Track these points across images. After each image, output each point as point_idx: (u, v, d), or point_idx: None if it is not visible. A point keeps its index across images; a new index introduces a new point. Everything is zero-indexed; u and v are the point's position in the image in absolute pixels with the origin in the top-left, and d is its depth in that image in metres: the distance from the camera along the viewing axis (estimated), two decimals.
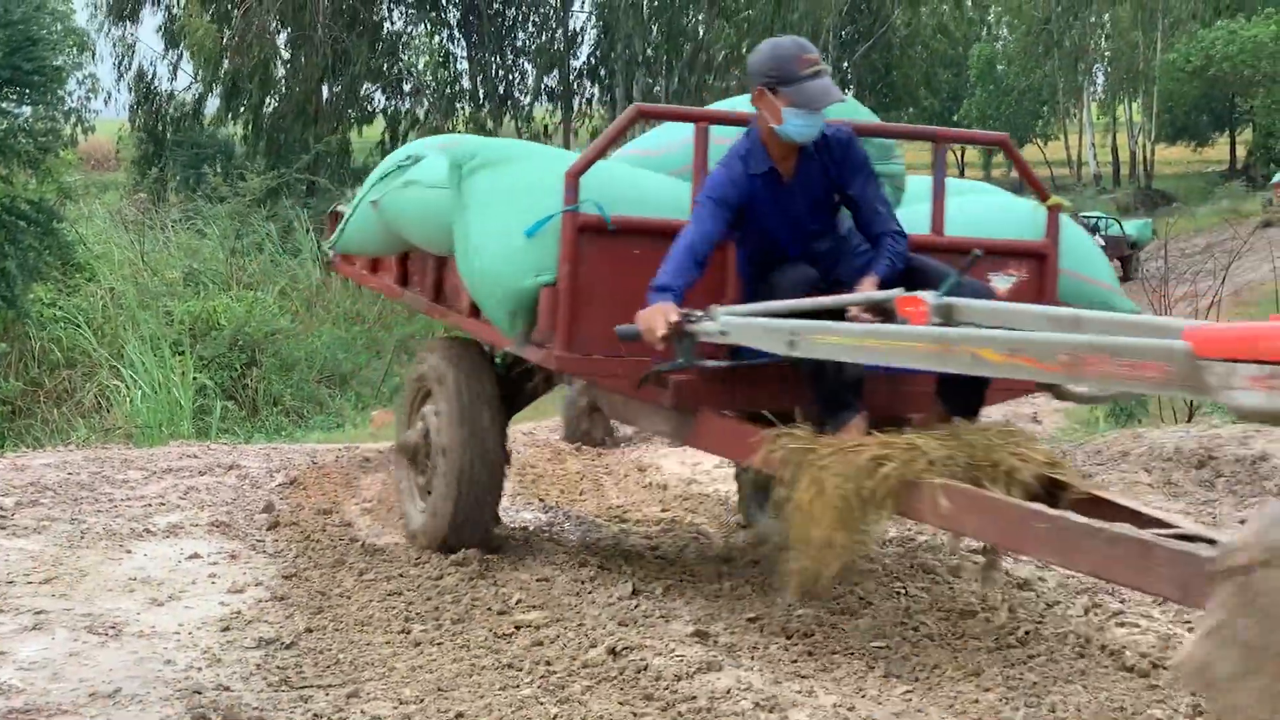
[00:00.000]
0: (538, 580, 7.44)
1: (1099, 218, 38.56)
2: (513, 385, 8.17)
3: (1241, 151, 70.27)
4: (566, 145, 43.27)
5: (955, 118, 67.35)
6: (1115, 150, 68.59)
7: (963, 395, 6.28)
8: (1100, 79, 69.33)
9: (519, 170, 6.94)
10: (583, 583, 7.43)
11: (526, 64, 44.23)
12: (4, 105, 24.45)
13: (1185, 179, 67.51)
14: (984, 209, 7.72)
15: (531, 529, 8.95)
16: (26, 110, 25.08)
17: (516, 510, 9.63)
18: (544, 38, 44.09)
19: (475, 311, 7.30)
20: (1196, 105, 63.85)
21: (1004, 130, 64.35)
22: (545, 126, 44.39)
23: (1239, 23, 55.99)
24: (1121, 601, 6.93)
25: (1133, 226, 39.16)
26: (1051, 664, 5.91)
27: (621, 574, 7.68)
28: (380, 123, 41.55)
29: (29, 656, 5.77)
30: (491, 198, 6.83)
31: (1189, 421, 14.88)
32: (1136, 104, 66.48)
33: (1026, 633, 6.35)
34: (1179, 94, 61.21)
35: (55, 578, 7.13)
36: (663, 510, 9.77)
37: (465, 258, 6.89)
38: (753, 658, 5.97)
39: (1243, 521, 9.49)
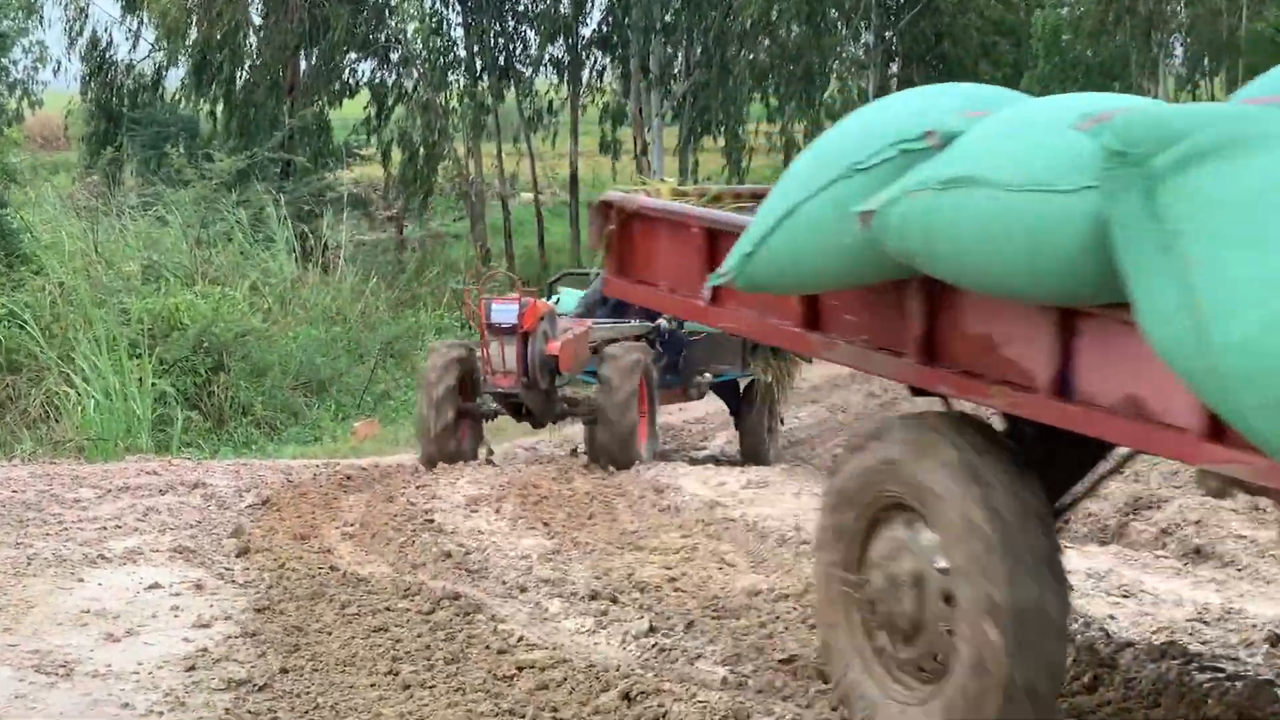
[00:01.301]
0: (542, 616, 7.45)
1: None
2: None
3: None
4: (574, 123, 43.34)
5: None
6: None
7: None
8: (1179, 50, 69.15)
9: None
10: (593, 618, 7.44)
11: (529, 31, 44.11)
12: None
13: None
14: None
15: (534, 557, 8.95)
16: None
17: (518, 536, 9.64)
18: (549, 2, 44.06)
19: (1213, 426, 4.68)
20: None
21: None
22: (549, 101, 44.32)
23: None
24: (1204, 643, 6.91)
25: None
26: (1123, 714, 5.90)
27: (636, 609, 7.69)
28: (364, 96, 41.52)
29: None
30: (1241, 217, 4.46)
31: None
32: (1219, 79, 66.32)
33: (1096, 678, 6.34)
34: (1266, 67, 60.84)
35: None
36: (683, 536, 9.75)
37: (1184, 324, 4.44)
38: (786, 704, 5.97)
39: None
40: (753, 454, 16.30)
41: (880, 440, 5.87)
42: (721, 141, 44.51)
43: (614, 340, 14.21)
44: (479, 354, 13.69)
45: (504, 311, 13.49)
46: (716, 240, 6.51)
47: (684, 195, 7.46)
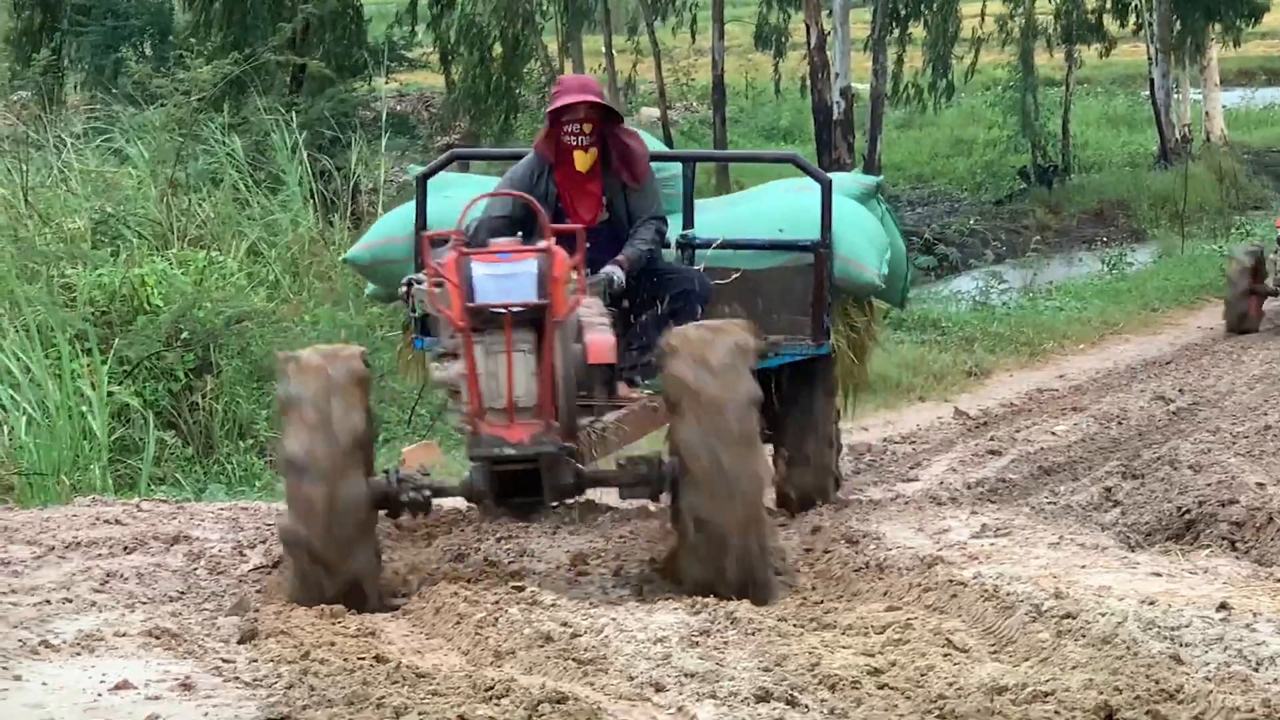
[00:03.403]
0: None
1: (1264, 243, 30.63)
2: None
3: None
4: (718, 8, 43.41)
5: None
6: None
7: None
8: None
9: None
10: None
11: None
12: None
13: None
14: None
15: (673, 640, 8.98)
16: None
17: (648, 610, 9.67)
18: None
19: None
20: None
21: (1197, 8, 63.70)
22: None
23: None
24: None
25: None
26: None
27: (825, 714, 7.71)
28: None
29: None
30: None
31: None
32: None
33: None
34: None
35: None
36: (888, 609, 9.75)
37: None
38: None
39: None
40: (811, 488, 14.12)
41: None
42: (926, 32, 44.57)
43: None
44: None
45: None
46: None
47: None
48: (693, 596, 9.96)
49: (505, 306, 9.90)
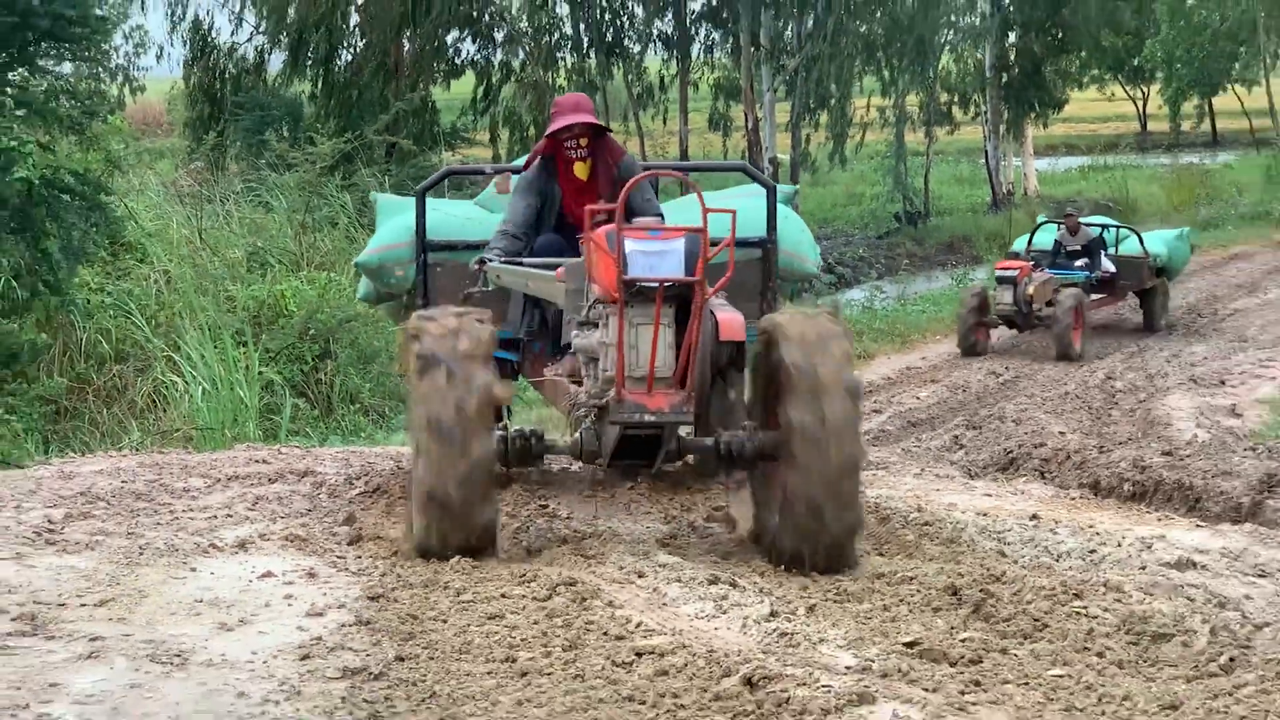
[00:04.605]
0: (661, 601, 7.47)
1: (1105, 226, 29.19)
2: None
3: None
4: (683, 100, 43.34)
5: (1138, 62, 66.69)
6: None
7: None
8: None
9: None
10: (712, 603, 7.45)
11: (636, 6, 44.17)
12: (43, 62, 24.67)
13: None
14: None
15: (651, 541, 8.96)
16: (68, 68, 25.36)
17: (634, 520, 9.65)
18: None
19: None
20: None
21: (1195, 75, 63.52)
22: (661, 78, 44.35)
23: None
24: None
25: (1160, 241, 28.86)
26: (1261, 695, 5.85)
27: (756, 593, 7.69)
28: (470, 77, 41.64)
29: (85, 689, 5.84)
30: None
31: None
32: None
33: (1231, 659, 6.29)
34: None
35: (112, 599, 7.22)
36: None
37: None
38: (912, 688, 5.96)
39: None
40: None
41: None
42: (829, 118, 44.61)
43: None
44: None
45: None
46: None
47: None
48: (779, 565, 8.33)
49: (659, 281, 7.94)
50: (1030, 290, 25.24)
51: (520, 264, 9.91)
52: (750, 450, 8.64)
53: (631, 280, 7.94)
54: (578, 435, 8.75)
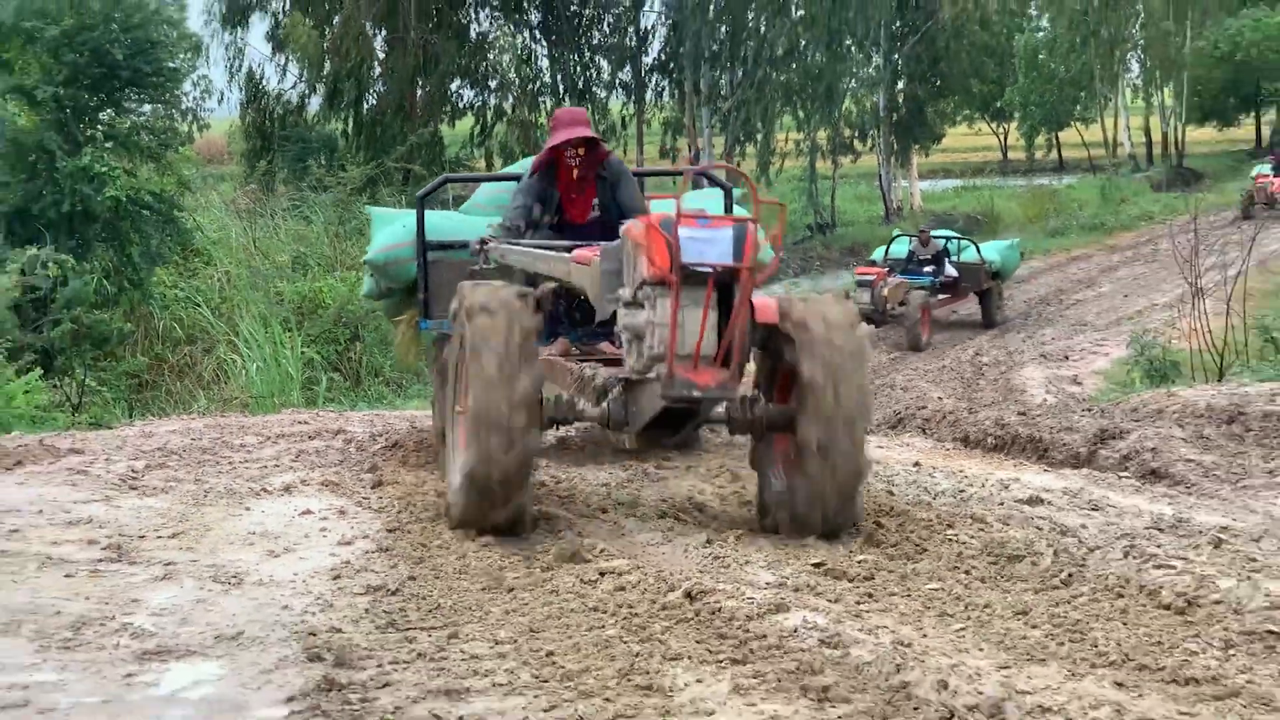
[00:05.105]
0: (620, 532, 7.48)
1: (949, 238, 28.51)
2: None
3: (1266, 131, 70.13)
4: (640, 135, 43.37)
5: (1000, 104, 66.98)
6: (1149, 132, 68.12)
7: None
8: (1135, 66, 68.80)
9: None
10: (661, 533, 7.47)
11: (602, 60, 44.21)
12: (127, 104, 24.73)
13: (1214, 158, 67.25)
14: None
15: (612, 484, 8.97)
16: (147, 109, 25.39)
17: (599, 469, 9.65)
18: (617, 36, 44.08)
19: None
20: (1224, 88, 63.71)
21: (1045, 114, 63.81)
22: (622, 117, 44.42)
23: (1264, 11, 56.63)
24: (1158, 546, 6.89)
25: (994, 250, 28.21)
26: (1094, 603, 5.88)
27: (696, 525, 7.71)
28: (470, 118, 41.66)
29: (160, 603, 5.84)
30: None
31: (1219, 380, 14.78)
32: (1169, 88, 65.93)
33: (1070, 575, 6.32)
34: (1208, 78, 61.78)
35: (182, 533, 7.21)
36: (730, 467, 9.71)
37: None
38: (818, 599, 5.98)
39: (1271, 472, 9.42)
40: None
41: None
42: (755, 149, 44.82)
43: None
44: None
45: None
46: None
47: None
48: (790, 535, 7.31)
49: (711, 266, 6.79)
50: (885, 292, 25.16)
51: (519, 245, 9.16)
52: (770, 414, 7.45)
53: (685, 265, 6.78)
54: (605, 405, 7.63)
